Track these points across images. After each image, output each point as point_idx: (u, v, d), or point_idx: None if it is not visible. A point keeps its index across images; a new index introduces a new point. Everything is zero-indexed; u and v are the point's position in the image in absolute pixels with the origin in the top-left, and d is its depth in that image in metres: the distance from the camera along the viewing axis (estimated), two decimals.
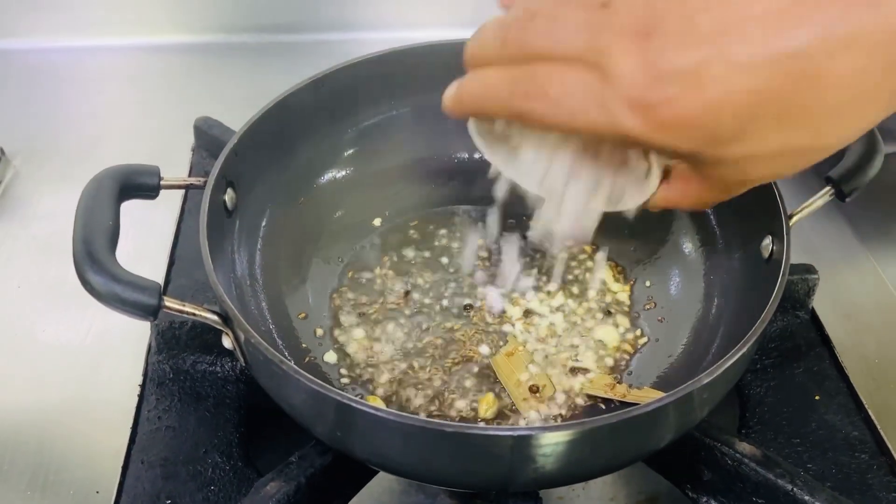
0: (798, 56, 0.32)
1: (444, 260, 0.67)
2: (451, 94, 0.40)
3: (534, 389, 0.56)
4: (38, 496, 0.56)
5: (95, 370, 0.64)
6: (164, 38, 0.99)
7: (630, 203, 0.45)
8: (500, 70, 0.37)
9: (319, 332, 0.61)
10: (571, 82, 0.34)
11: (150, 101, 0.93)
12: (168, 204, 0.74)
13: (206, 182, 0.54)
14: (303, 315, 0.62)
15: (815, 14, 0.31)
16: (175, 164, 0.78)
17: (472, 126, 0.45)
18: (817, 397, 0.60)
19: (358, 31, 0.98)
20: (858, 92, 0.33)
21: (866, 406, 0.60)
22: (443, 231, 0.69)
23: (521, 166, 0.46)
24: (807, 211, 0.56)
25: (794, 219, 0.55)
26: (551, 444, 0.42)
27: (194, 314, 0.46)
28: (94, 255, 0.44)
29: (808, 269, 0.63)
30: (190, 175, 0.77)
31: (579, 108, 0.35)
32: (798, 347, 0.64)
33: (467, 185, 0.71)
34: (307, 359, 0.59)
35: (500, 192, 0.52)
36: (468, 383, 0.57)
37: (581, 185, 0.45)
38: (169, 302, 0.45)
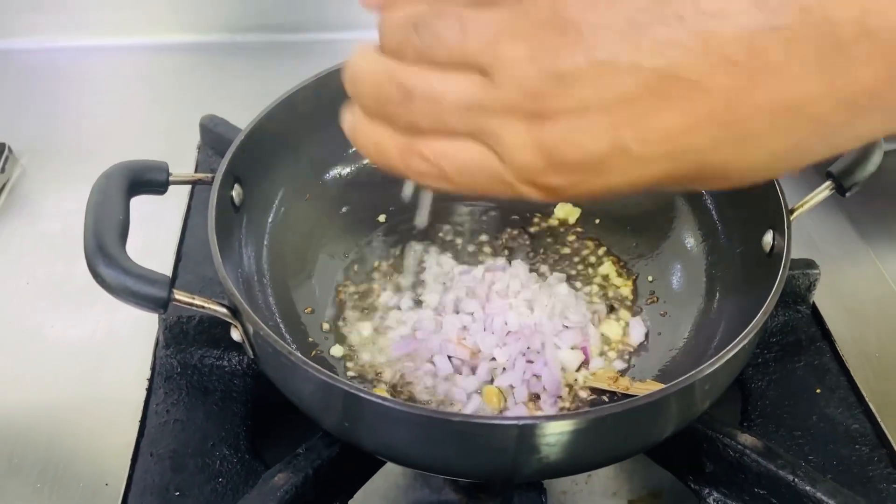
0: (700, 150, 0.31)
1: (449, 256, 0.67)
2: (348, 132, 0.38)
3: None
4: (48, 489, 0.56)
5: (103, 366, 0.64)
6: (170, 37, 1.00)
7: None
8: (389, 130, 0.34)
9: (326, 326, 0.62)
10: (467, 158, 0.33)
11: (156, 99, 0.94)
12: (174, 201, 0.74)
13: (213, 178, 0.54)
14: (309, 310, 0.62)
15: (711, 102, 0.30)
16: (181, 163, 0.79)
17: None
18: (818, 391, 0.61)
19: (363, 30, 0.97)
20: (773, 163, 0.33)
21: (867, 399, 0.60)
22: (447, 228, 0.69)
23: None
24: (808, 205, 0.57)
25: (796, 213, 0.56)
26: (556, 433, 0.43)
27: (204, 307, 0.47)
28: (105, 249, 0.45)
29: (809, 263, 0.64)
30: (196, 172, 0.78)
31: (479, 182, 0.33)
32: (799, 342, 0.64)
33: None
34: (314, 352, 0.59)
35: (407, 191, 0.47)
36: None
37: None
38: (179, 295, 0.46)
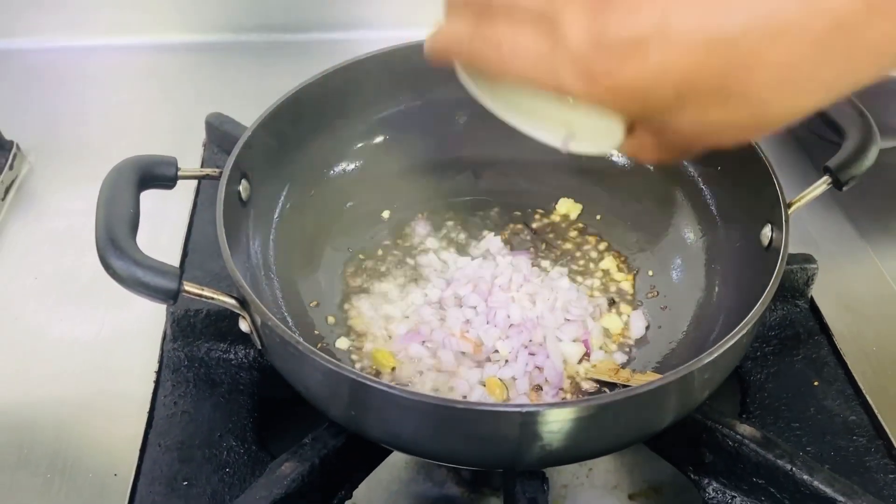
0: (732, 41, 0.33)
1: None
2: (428, 40, 0.42)
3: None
4: (59, 479, 0.57)
5: (111, 360, 0.65)
6: (176, 37, 1.00)
7: (593, 146, 0.44)
8: (466, 21, 0.39)
9: (331, 319, 0.63)
10: (523, 41, 0.36)
11: (162, 98, 0.94)
12: (179, 198, 0.75)
13: (221, 173, 0.55)
14: (315, 303, 0.63)
15: (751, 2, 0.33)
16: (187, 160, 0.77)
17: (458, 69, 0.44)
18: (816, 383, 0.62)
19: (367, 29, 0.99)
20: (792, 79, 0.34)
21: (864, 391, 0.61)
22: (451, 223, 0.71)
23: (505, 102, 0.44)
24: (805, 199, 0.57)
25: (793, 207, 0.56)
26: (558, 420, 0.44)
27: (213, 298, 0.48)
28: (116, 241, 0.45)
29: (808, 258, 0.65)
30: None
31: (529, 65, 0.37)
32: (797, 335, 0.65)
33: (475, 179, 0.73)
34: (320, 345, 0.60)
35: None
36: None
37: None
38: (188, 286, 0.47)
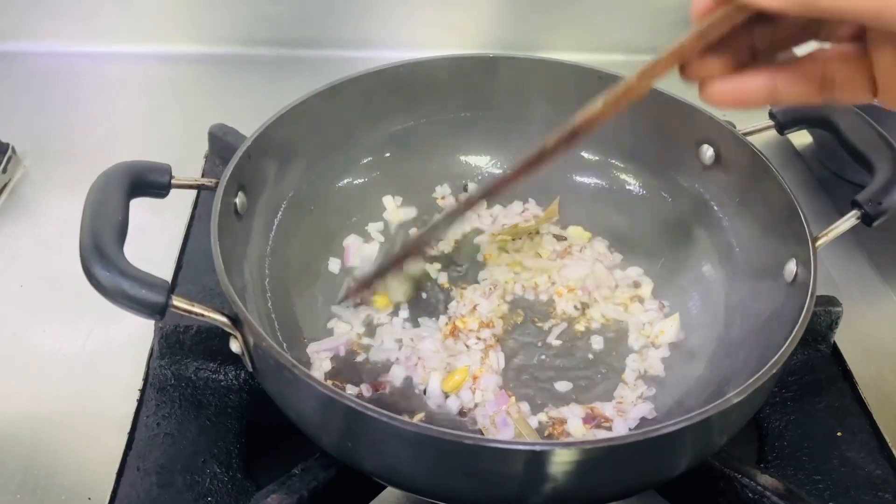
0: None
1: (459, 269, 0.66)
2: None
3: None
4: (28, 500, 0.54)
5: (94, 373, 0.62)
6: (184, 47, 0.99)
7: None
8: None
9: None
10: None
11: (165, 108, 0.93)
12: (176, 209, 0.73)
13: (217, 183, 0.52)
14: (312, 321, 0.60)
15: None
16: (188, 171, 0.75)
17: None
18: (839, 434, 0.58)
19: (375, 49, 0.98)
20: None
21: (889, 445, 0.58)
22: (458, 238, 0.68)
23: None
24: (832, 234, 0.55)
25: (820, 242, 0.53)
26: (567, 460, 0.40)
27: (203, 315, 0.45)
28: (101, 249, 0.43)
29: (832, 301, 0.62)
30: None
31: None
32: (819, 382, 0.62)
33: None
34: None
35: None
36: None
37: None
38: (178, 301, 0.44)
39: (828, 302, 0.62)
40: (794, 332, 0.44)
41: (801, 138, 0.90)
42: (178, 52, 0.99)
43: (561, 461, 0.40)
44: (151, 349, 0.61)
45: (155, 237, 0.72)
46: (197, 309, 0.45)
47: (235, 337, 0.46)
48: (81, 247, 0.43)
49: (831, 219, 0.57)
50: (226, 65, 0.98)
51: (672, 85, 0.69)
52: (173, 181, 0.52)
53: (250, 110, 0.79)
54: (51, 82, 0.94)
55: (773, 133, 0.65)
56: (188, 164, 0.79)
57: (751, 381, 0.42)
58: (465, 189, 0.71)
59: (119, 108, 0.92)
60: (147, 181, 0.51)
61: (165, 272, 0.67)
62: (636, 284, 0.65)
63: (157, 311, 0.43)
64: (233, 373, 0.59)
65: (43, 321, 0.66)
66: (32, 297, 0.68)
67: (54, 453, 0.57)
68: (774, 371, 0.43)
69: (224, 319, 0.45)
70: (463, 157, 0.72)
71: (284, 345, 0.57)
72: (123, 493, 0.53)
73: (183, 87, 0.95)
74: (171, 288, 0.44)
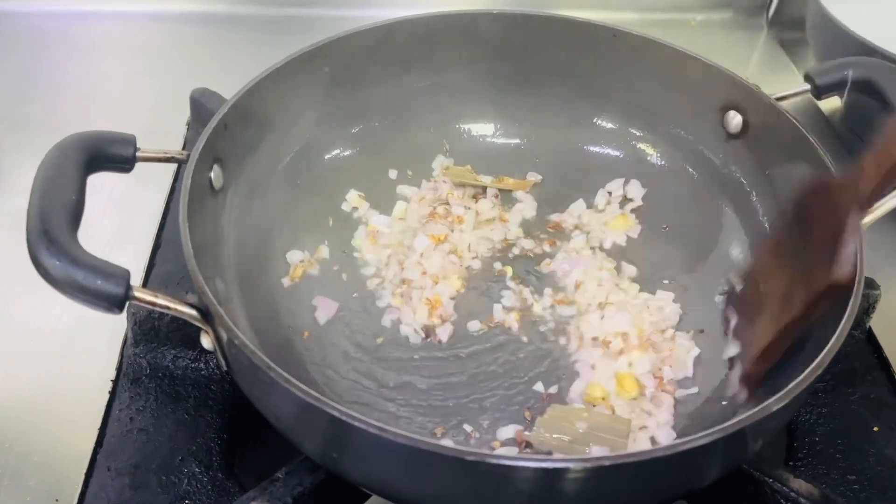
0: None
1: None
2: None
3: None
4: None
5: (65, 359, 0.58)
6: (168, 5, 0.93)
7: None
8: None
9: (306, 334, 0.55)
10: None
11: (148, 71, 0.87)
12: (159, 180, 0.68)
13: (188, 156, 0.47)
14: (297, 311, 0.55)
15: None
16: (168, 139, 0.72)
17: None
18: (875, 428, 0.54)
19: (368, 7, 0.92)
20: None
21: None
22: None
23: None
24: (879, 212, 0.51)
25: (865, 221, 0.48)
26: (575, 477, 0.36)
27: (168, 308, 0.40)
28: (50, 234, 0.38)
29: (869, 283, 0.57)
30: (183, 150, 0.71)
31: None
32: (853, 371, 0.57)
33: (490, 165, 0.66)
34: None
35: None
36: None
37: None
38: (139, 293, 0.39)
39: (866, 284, 0.56)
40: (840, 327, 0.39)
41: (829, 102, 0.84)
42: (161, 11, 0.93)
43: (575, 477, 0.35)
44: (125, 336, 0.56)
45: (132, 211, 0.67)
46: (161, 301, 0.40)
47: (206, 332, 0.41)
48: (28, 232, 0.38)
49: None
50: (212, 24, 0.93)
51: (695, 43, 0.65)
52: (139, 154, 0.47)
53: (238, 73, 0.73)
54: (26, 44, 0.88)
55: (803, 98, 0.59)
56: (169, 131, 0.74)
57: (793, 384, 0.37)
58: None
59: (97, 71, 0.87)
60: (108, 154, 0.46)
61: (142, 249, 0.63)
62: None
63: (115, 303, 0.38)
64: (214, 362, 0.54)
65: (12, 303, 0.62)
66: (2, 275, 0.63)
67: (20, 450, 0.53)
68: (819, 372, 0.38)
69: (192, 312, 0.41)
70: (465, 126, 0.67)
71: (264, 335, 0.52)
72: (92, 494, 0.49)
73: (165, 49, 0.90)
74: (147, 271, 0.39)
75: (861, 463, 0.52)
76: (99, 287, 0.37)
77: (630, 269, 0.59)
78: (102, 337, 0.58)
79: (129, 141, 0.47)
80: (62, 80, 0.85)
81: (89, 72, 0.86)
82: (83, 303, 0.38)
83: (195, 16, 0.93)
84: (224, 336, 0.40)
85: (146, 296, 0.39)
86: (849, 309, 0.42)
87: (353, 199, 0.62)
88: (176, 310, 0.40)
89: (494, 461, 0.35)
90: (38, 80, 0.84)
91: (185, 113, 0.73)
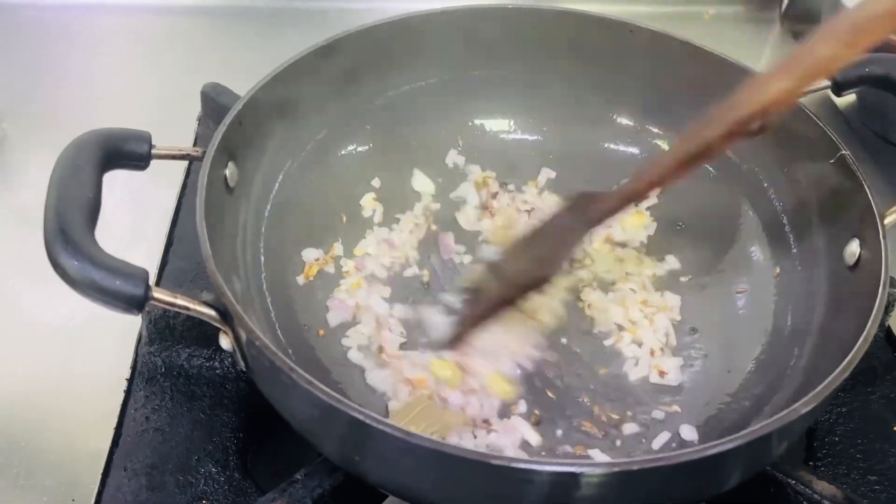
0: None
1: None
2: None
3: None
4: (6, 501, 0.50)
5: (79, 357, 0.58)
6: None
7: None
8: None
9: (321, 332, 0.55)
10: None
11: (157, 65, 0.87)
12: (170, 176, 0.68)
13: (204, 153, 0.46)
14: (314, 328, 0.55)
15: None
16: (179, 135, 0.71)
17: None
18: (895, 428, 0.53)
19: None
20: None
21: None
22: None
23: None
24: None
25: (889, 219, 0.48)
26: (596, 483, 0.36)
27: (188, 308, 0.40)
28: (68, 234, 0.37)
29: (891, 281, 0.56)
30: (195, 146, 0.70)
31: None
32: (873, 370, 0.57)
33: (504, 162, 0.65)
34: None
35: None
36: None
37: None
38: (158, 293, 0.39)
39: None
40: (867, 328, 0.39)
41: (844, 97, 0.83)
42: (170, 4, 0.92)
43: (599, 481, 0.35)
44: (140, 334, 0.56)
45: (145, 207, 0.67)
46: (180, 301, 0.40)
47: (225, 332, 0.41)
48: (46, 232, 0.38)
49: (887, 189, 0.51)
50: (221, 17, 0.92)
51: (707, 37, 0.64)
52: (154, 151, 0.47)
53: (248, 67, 0.72)
54: (34, 37, 0.88)
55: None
56: (179, 126, 0.73)
57: (821, 386, 0.37)
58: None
59: (105, 64, 0.86)
60: (123, 152, 0.45)
61: (155, 246, 0.62)
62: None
63: (134, 304, 0.38)
64: (229, 360, 0.54)
65: (24, 298, 0.61)
66: (11, 272, 0.63)
67: (35, 449, 0.53)
68: (847, 374, 0.38)
69: (212, 313, 0.40)
70: (478, 121, 0.66)
71: (281, 334, 0.52)
72: (109, 495, 0.48)
73: (174, 42, 0.89)
74: (160, 269, 0.38)
75: (882, 463, 0.52)
76: (118, 288, 0.37)
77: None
78: (115, 334, 0.58)
79: (145, 138, 0.46)
80: (67, 75, 0.84)
81: (95, 66, 0.86)
82: (101, 303, 0.38)
83: (200, 9, 0.93)
84: (244, 336, 0.40)
85: (165, 296, 0.39)
86: (875, 310, 0.41)
87: (368, 202, 0.61)
88: (195, 310, 0.40)
89: (519, 465, 0.34)
90: (43, 74, 0.84)
91: (193, 107, 0.73)
